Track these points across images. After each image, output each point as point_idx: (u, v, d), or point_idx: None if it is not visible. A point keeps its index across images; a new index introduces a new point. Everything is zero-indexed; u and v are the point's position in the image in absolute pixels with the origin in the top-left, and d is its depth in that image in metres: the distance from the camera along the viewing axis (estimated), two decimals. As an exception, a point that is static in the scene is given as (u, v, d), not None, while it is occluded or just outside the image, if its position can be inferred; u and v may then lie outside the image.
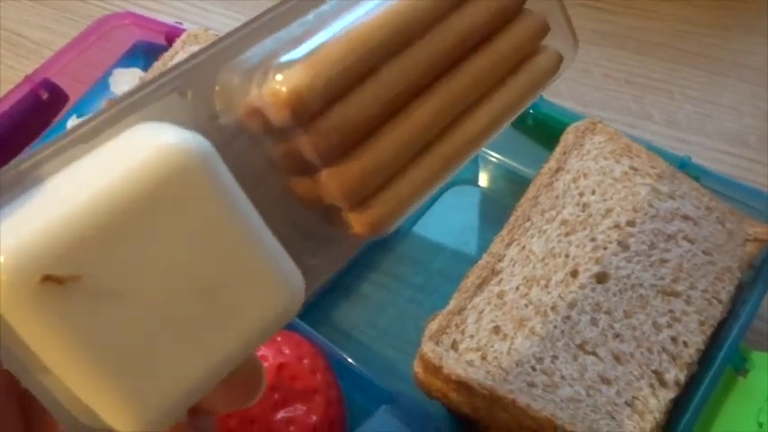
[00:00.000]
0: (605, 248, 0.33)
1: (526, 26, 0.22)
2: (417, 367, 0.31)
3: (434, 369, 0.30)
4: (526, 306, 0.31)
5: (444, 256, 0.42)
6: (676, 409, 0.30)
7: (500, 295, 0.32)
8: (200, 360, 0.16)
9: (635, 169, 0.35)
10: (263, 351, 0.32)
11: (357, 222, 0.19)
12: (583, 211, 0.34)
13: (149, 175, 0.15)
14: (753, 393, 0.32)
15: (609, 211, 0.34)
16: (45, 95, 0.50)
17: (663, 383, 0.30)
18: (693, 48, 0.51)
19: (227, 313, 0.16)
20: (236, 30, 0.19)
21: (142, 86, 0.17)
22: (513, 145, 0.44)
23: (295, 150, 0.18)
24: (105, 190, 0.14)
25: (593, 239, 0.33)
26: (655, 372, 0.30)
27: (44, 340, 0.14)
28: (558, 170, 0.35)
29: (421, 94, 0.20)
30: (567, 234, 0.33)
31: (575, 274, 0.32)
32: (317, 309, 0.40)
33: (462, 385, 0.29)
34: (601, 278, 0.32)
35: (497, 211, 0.40)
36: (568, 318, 0.31)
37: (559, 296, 0.32)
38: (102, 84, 0.51)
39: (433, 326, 0.31)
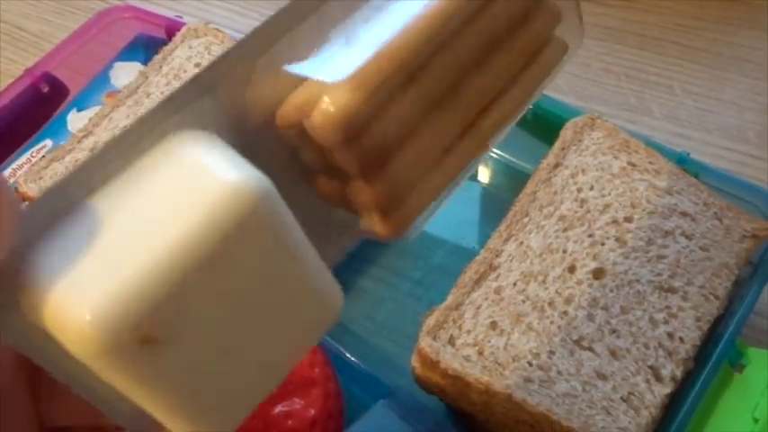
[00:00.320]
0: (603, 244, 0.33)
1: (543, 18, 0.22)
2: (415, 362, 0.31)
3: (431, 364, 0.30)
4: (523, 302, 0.31)
5: (443, 250, 0.43)
6: (672, 404, 0.30)
7: (497, 291, 0.32)
8: (258, 377, 0.17)
9: (633, 165, 0.36)
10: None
11: (384, 226, 0.19)
12: (581, 206, 0.34)
13: (226, 223, 0.15)
14: (749, 389, 0.32)
15: (607, 206, 0.34)
16: (45, 88, 0.50)
17: (659, 379, 0.30)
18: (694, 43, 0.51)
19: (281, 333, 0.17)
20: (265, 25, 0.18)
21: (175, 92, 0.17)
22: (512, 140, 0.44)
23: (332, 162, 0.18)
24: (184, 242, 0.14)
25: (590, 235, 0.33)
26: (651, 367, 0.30)
27: (124, 384, 0.15)
28: (556, 166, 0.35)
29: (449, 97, 0.20)
30: (564, 230, 0.33)
31: (572, 269, 0.32)
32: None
33: (459, 380, 0.29)
34: (598, 274, 0.32)
35: (497, 206, 0.40)
36: (565, 313, 0.31)
37: (556, 292, 0.32)
38: (103, 77, 0.51)
39: (431, 321, 0.31)
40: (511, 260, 0.33)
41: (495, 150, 0.45)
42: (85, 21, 0.52)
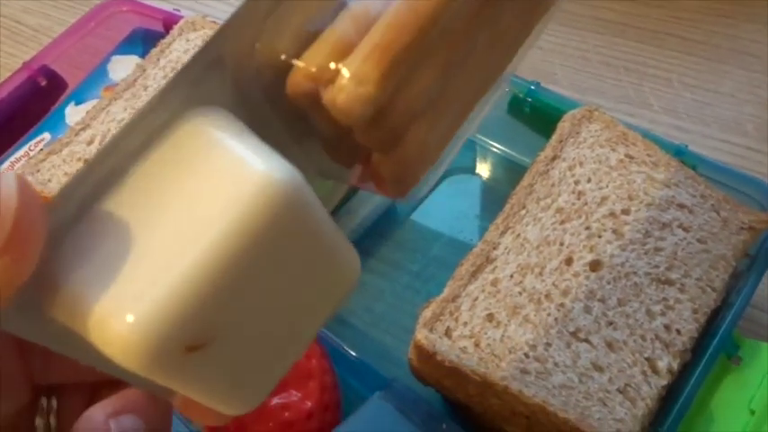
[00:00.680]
0: (600, 236, 0.33)
1: None
2: (411, 354, 0.31)
3: (428, 356, 0.30)
4: (520, 294, 0.31)
5: (441, 243, 0.43)
6: (669, 396, 0.30)
7: (494, 283, 0.32)
8: (287, 350, 0.17)
9: (631, 157, 0.35)
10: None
11: (396, 190, 0.19)
12: (578, 199, 0.34)
13: (262, 220, 0.14)
14: (745, 381, 0.32)
15: (604, 199, 0.34)
16: (43, 82, 0.50)
17: (655, 371, 0.30)
18: (693, 36, 0.51)
19: (309, 306, 0.17)
20: None
21: (186, 64, 0.16)
22: (510, 133, 0.44)
23: (349, 134, 0.17)
24: (222, 245, 0.14)
25: (587, 228, 0.33)
26: (647, 359, 0.30)
27: (168, 385, 0.15)
28: (553, 158, 0.35)
29: (465, 60, 0.19)
30: (561, 222, 0.33)
31: (569, 261, 0.32)
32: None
33: (455, 372, 0.29)
34: (595, 266, 0.32)
35: (494, 198, 0.40)
36: (562, 305, 0.31)
37: (553, 284, 0.32)
38: (101, 70, 0.51)
39: (427, 313, 0.31)
40: (508, 252, 0.33)
41: (493, 143, 0.45)
42: (83, 14, 0.52)
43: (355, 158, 0.19)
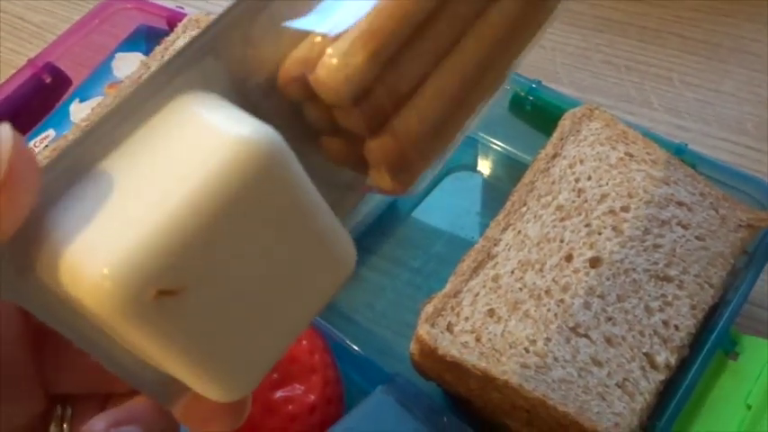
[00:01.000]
0: (600, 234, 0.33)
1: None
2: (413, 349, 0.32)
3: (430, 351, 0.30)
4: (520, 289, 0.32)
5: (443, 240, 0.43)
6: (667, 391, 0.31)
7: (495, 279, 0.32)
8: (276, 332, 0.17)
9: (630, 155, 0.36)
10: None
11: (393, 183, 0.19)
12: (578, 196, 0.34)
13: (237, 179, 0.15)
14: (743, 376, 0.32)
15: (604, 196, 0.34)
16: (48, 79, 0.50)
17: (654, 366, 0.31)
18: (694, 35, 0.51)
19: (297, 286, 0.17)
20: None
21: (178, 52, 0.17)
22: (511, 131, 0.44)
23: (337, 120, 0.18)
24: (197, 196, 0.14)
25: (587, 225, 0.34)
26: (646, 354, 0.31)
27: (145, 341, 0.15)
28: (554, 156, 0.36)
29: (454, 47, 0.19)
30: (562, 219, 0.34)
31: (569, 258, 0.33)
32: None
33: (456, 366, 0.30)
34: (595, 263, 0.33)
35: (495, 196, 0.41)
36: (562, 301, 0.31)
37: (553, 280, 0.32)
38: (105, 67, 0.51)
39: (429, 308, 0.31)
40: (508, 249, 0.33)
41: (494, 141, 0.45)
42: (87, 12, 0.53)
43: (352, 155, 0.19)
